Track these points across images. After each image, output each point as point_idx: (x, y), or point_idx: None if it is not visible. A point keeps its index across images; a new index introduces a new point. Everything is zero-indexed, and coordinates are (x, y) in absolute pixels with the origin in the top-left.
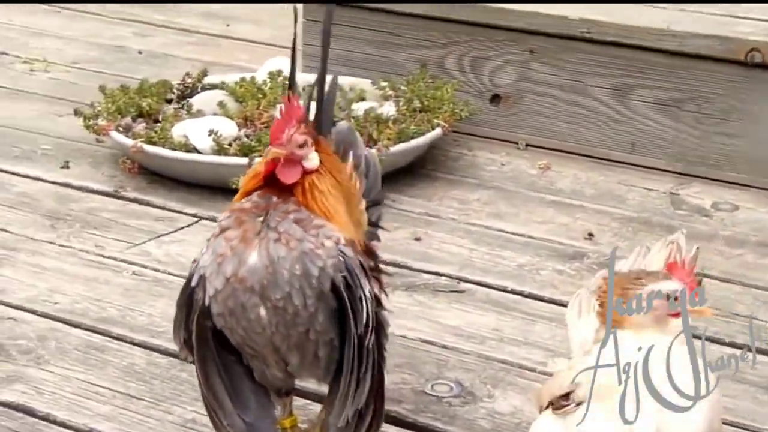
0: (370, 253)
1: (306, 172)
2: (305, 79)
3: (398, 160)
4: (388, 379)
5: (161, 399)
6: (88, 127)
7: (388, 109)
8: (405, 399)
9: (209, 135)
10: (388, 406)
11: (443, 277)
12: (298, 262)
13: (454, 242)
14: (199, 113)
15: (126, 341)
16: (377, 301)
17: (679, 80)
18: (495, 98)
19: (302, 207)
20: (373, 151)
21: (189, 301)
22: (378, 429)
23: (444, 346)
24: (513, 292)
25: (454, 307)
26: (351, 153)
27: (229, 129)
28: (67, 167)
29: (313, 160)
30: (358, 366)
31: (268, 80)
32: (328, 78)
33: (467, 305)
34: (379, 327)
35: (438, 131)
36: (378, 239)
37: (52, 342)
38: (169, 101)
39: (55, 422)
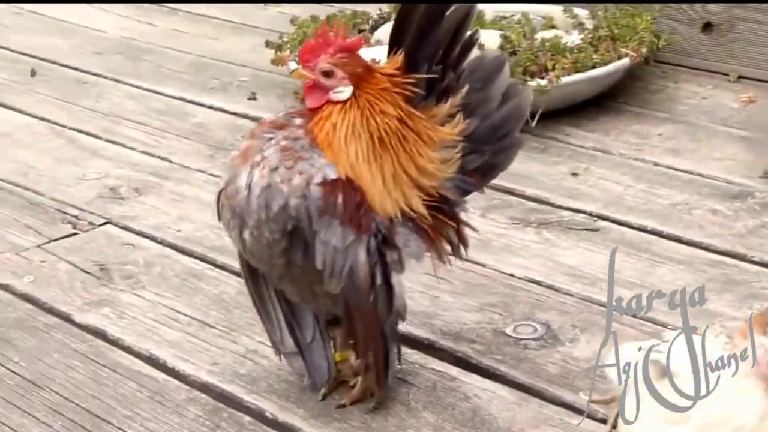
0: (443, 200)
1: (330, 102)
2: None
3: (579, 92)
4: (474, 318)
5: (234, 328)
6: (274, 58)
7: (573, 38)
8: (480, 339)
9: None
10: (458, 347)
11: (582, 215)
12: (263, 192)
13: (613, 179)
14: (377, 43)
15: (227, 270)
16: (380, 254)
17: None
18: (707, 27)
19: (310, 133)
20: (529, 87)
21: None
22: (384, 376)
23: (549, 286)
24: (651, 231)
25: (580, 246)
26: (490, 85)
27: None
28: (254, 99)
29: (341, 93)
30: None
31: None
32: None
33: (595, 245)
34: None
35: (624, 62)
36: (471, 188)
37: (157, 268)
38: (361, 32)
39: (121, 347)
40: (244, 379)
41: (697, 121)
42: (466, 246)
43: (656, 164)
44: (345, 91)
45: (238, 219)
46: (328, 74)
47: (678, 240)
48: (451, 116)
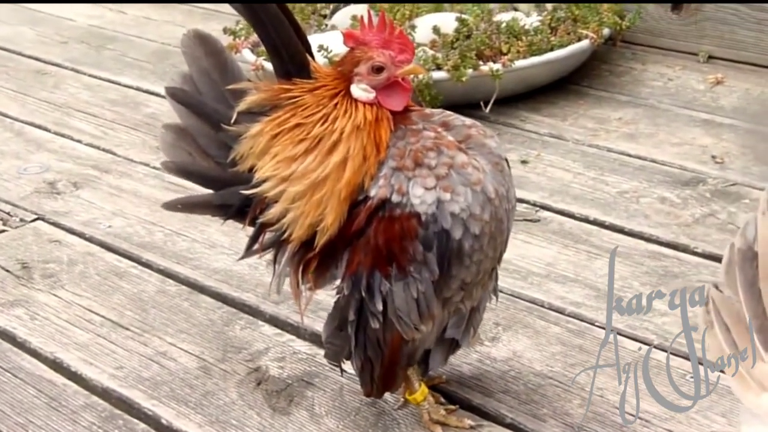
0: None
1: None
2: None
3: (536, 76)
4: None
5: (147, 329)
6: (230, 45)
7: (533, 20)
8: None
9: (318, 51)
10: None
11: (525, 205)
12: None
13: (563, 166)
14: (332, 28)
15: (152, 268)
16: None
17: None
18: (676, 7)
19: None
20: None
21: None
22: None
23: None
24: (593, 222)
25: (518, 238)
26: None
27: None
28: None
29: None
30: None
31: None
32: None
33: (534, 236)
34: None
35: (583, 44)
36: None
37: (79, 266)
38: (324, 16)
39: (27, 350)
40: (146, 384)
41: (659, 104)
42: None
43: (609, 150)
44: None
45: (504, 225)
46: None
47: (620, 230)
48: None
